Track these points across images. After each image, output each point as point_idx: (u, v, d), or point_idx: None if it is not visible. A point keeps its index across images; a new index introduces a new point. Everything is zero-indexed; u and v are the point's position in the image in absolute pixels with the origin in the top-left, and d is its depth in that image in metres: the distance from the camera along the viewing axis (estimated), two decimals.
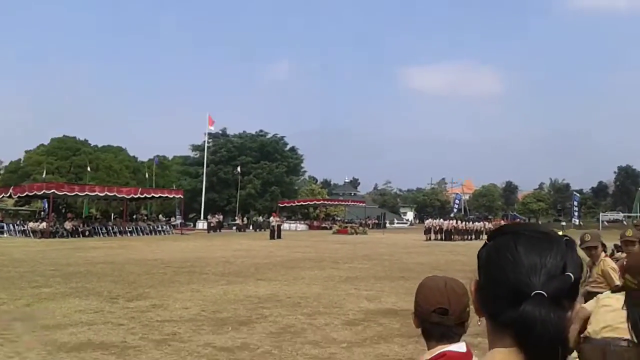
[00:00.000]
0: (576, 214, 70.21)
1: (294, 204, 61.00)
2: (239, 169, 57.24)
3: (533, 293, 0.91)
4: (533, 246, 0.97)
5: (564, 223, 63.80)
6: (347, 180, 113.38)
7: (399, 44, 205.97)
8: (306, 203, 63.41)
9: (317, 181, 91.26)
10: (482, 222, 45.05)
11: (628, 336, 3.53)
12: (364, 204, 71.87)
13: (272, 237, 35.05)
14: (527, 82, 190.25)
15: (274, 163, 63.15)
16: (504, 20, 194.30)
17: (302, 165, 70.62)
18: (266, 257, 20.29)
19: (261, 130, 67.81)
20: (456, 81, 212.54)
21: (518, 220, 74.90)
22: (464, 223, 42.49)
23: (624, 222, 57.31)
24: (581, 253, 5.90)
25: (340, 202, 69.83)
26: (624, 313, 3.74)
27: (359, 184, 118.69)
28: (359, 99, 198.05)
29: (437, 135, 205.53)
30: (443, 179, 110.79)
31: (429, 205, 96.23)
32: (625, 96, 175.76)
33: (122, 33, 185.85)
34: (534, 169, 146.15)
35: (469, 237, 40.31)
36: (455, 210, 75.88)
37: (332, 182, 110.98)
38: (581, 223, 66.20)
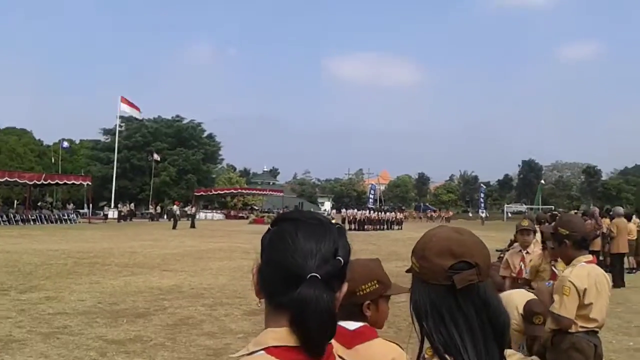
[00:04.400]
0: (482, 205, 73.75)
1: (210, 193, 60.04)
2: (156, 155, 55.31)
3: (309, 275, 1.01)
4: (311, 233, 1.07)
5: (482, 214, 66.52)
6: (266, 170, 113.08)
7: (321, 33, 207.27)
8: (223, 192, 62.62)
9: (235, 169, 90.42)
10: (393, 213, 46.38)
11: None
12: (282, 194, 71.98)
13: (174, 227, 34.09)
14: (441, 76, 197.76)
15: (191, 150, 61.84)
16: (422, 12, 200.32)
17: (220, 152, 69.75)
18: (175, 248, 19.95)
19: (177, 116, 66.17)
20: (376, 72, 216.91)
21: (429, 211, 77.89)
22: (376, 213, 43.66)
23: (526, 213, 60.82)
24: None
25: (258, 192, 69.47)
26: None
27: (279, 173, 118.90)
28: (280, 88, 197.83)
29: (357, 125, 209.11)
30: (360, 169, 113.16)
31: (346, 195, 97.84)
32: (531, 94, 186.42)
33: (28, 9, 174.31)
34: (445, 161, 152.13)
35: (382, 227, 41.52)
36: (370, 200, 77.49)
37: (251, 171, 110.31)
38: (487, 214, 69.55)
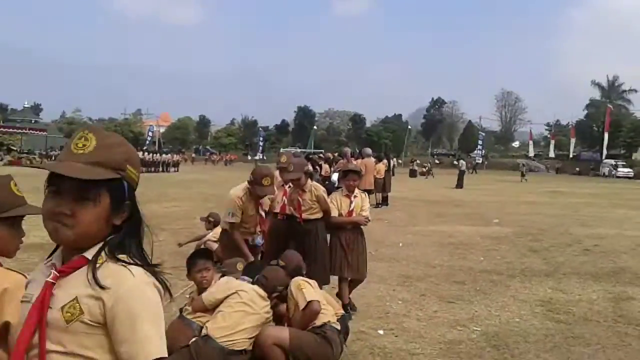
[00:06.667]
0: (261, 148, 76.04)
1: None
2: None
3: None
4: None
5: (256, 157, 68.48)
6: (27, 105, 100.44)
7: None
8: None
9: None
10: (169, 155, 45.40)
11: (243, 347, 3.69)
12: (45, 133, 64.98)
13: None
14: (223, 19, 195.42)
15: None
16: None
17: None
18: None
19: None
20: (158, 7, 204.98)
21: (209, 154, 77.85)
22: (151, 155, 42.21)
23: (301, 157, 64.12)
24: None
25: (15, 130, 61.57)
26: (256, 319, 3.81)
27: (42, 109, 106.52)
28: (44, 16, 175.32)
29: (134, 62, 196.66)
30: (139, 109, 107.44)
31: (123, 136, 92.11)
32: (306, 45, 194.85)
33: None
34: (227, 105, 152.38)
35: (157, 170, 40.32)
36: (147, 142, 74.43)
37: (9, 107, 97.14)
38: (265, 157, 71.98)
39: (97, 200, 1.28)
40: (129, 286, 1.27)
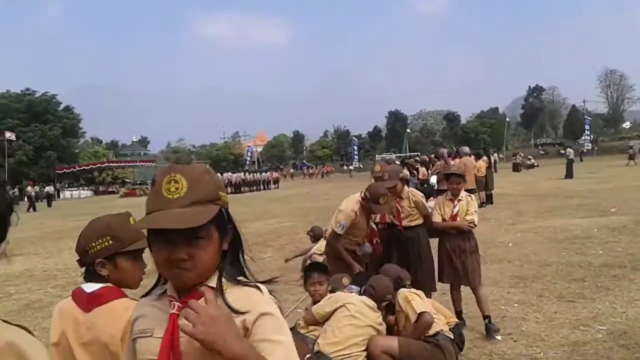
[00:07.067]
0: (356, 157, 76.31)
1: (74, 169, 56.45)
2: (9, 133, 50.45)
3: None
4: None
5: (351, 167, 69.05)
6: (135, 140, 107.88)
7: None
8: (89, 167, 59.07)
9: (101, 142, 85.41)
10: (269, 173, 46.69)
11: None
12: (154, 164, 69.29)
13: (31, 209, 32.75)
14: (307, 35, 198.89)
15: (47, 125, 57.28)
16: None
17: (81, 125, 65.32)
18: (33, 230, 18.53)
19: (28, 89, 60.70)
20: (246, 32, 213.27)
21: (306, 167, 79.25)
22: (252, 175, 43.63)
23: (397, 162, 63.24)
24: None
25: (127, 164, 66.34)
26: (366, 331, 3.85)
27: (149, 142, 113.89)
28: (142, 52, 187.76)
29: (228, 87, 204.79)
30: (237, 132, 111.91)
31: (224, 159, 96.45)
32: (394, 46, 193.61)
33: None
34: (319, 118, 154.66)
35: (258, 188, 41.63)
36: (247, 162, 77.19)
37: (120, 143, 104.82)
38: (361, 165, 72.13)
39: (208, 236, 1.28)
40: (263, 304, 1.29)
